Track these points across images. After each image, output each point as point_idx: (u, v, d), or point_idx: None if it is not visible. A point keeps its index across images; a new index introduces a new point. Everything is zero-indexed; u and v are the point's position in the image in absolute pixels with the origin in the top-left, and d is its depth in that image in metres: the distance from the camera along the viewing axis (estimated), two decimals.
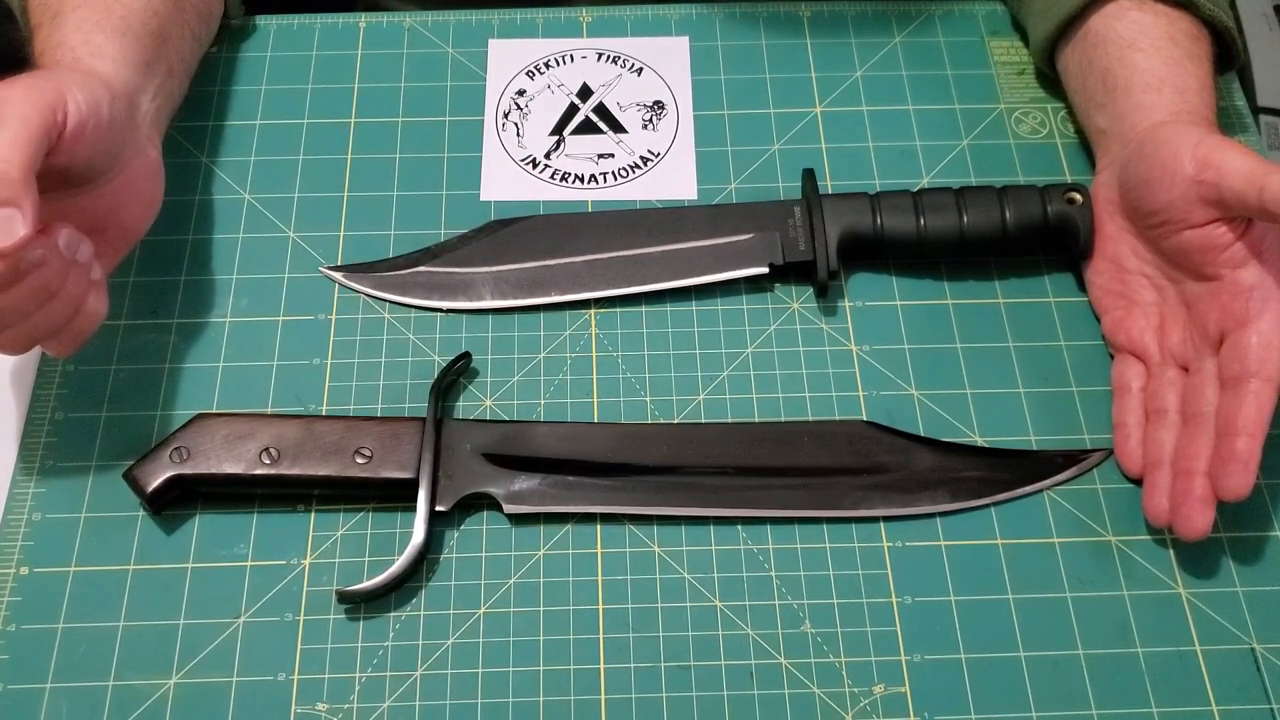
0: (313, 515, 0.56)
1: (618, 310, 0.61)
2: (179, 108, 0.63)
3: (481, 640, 0.53)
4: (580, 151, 0.67)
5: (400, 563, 0.53)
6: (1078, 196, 0.61)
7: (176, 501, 0.55)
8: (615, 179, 0.66)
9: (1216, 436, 0.53)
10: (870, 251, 0.62)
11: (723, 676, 0.52)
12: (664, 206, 0.65)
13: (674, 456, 0.56)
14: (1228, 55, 0.64)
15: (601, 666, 0.52)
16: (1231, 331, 0.53)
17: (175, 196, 0.64)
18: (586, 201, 0.65)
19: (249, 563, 0.54)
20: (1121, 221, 0.59)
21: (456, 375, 0.59)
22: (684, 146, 0.67)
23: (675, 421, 0.58)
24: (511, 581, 0.54)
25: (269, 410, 0.58)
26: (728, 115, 0.68)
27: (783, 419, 0.58)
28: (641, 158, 0.67)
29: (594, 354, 0.60)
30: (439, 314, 0.61)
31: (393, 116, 0.68)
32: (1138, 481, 0.56)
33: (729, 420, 0.58)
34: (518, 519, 0.55)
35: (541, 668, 0.52)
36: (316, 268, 0.62)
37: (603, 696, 0.51)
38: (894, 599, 0.54)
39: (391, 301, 0.61)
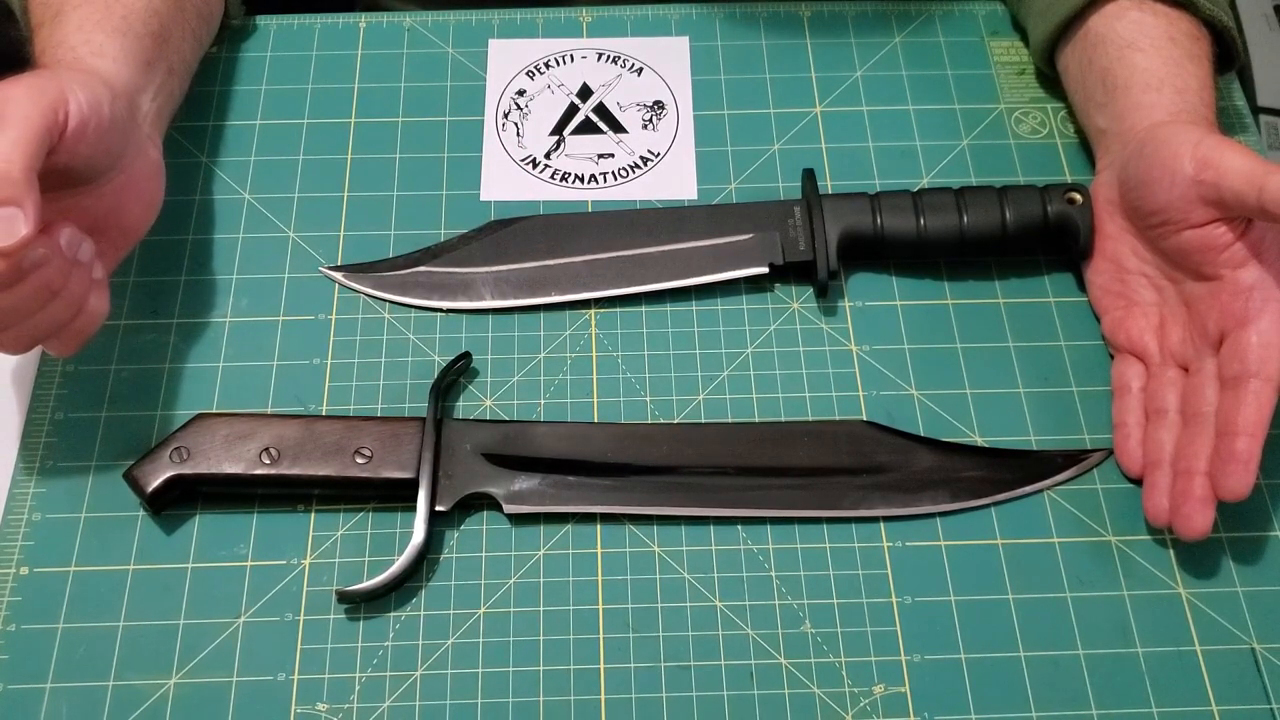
0: (313, 515, 0.56)
1: (618, 310, 0.61)
2: (179, 107, 0.63)
3: (481, 640, 0.53)
4: (580, 151, 0.67)
5: (400, 563, 0.53)
6: (1078, 196, 0.61)
7: (176, 501, 0.55)
8: (615, 179, 0.66)
9: (1216, 436, 0.53)
10: (870, 251, 0.62)
11: (723, 676, 0.52)
12: (664, 206, 0.65)
13: (674, 456, 0.56)
14: (1228, 55, 0.64)
15: (601, 666, 0.52)
16: (1231, 331, 0.53)
17: (175, 196, 0.64)
18: (586, 201, 0.65)
19: (249, 563, 0.54)
20: (1121, 221, 0.59)
21: (456, 375, 0.59)
22: (684, 146, 0.67)
23: (675, 421, 0.58)
24: (511, 581, 0.54)
25: (269, 410, 0.58)
26: (728, 115, 0.68)
27: (783, 419, 0.58)
28: (641, 158, 0.67)
29: (594, 354, 0.60)
30: (439, 314, 0.61)
31: (393, 116, 0.68)
32: (1138, 481, 0.56)
33: (729, 420, 0.58)
34: (518, 519, 0.55)
35: (541, 668, 0.52)
36: (316, 268, 0.62)
37: (602, 696, 0.51)
38: (894, 599, 0.54)
39: (391, 301, 0.61)
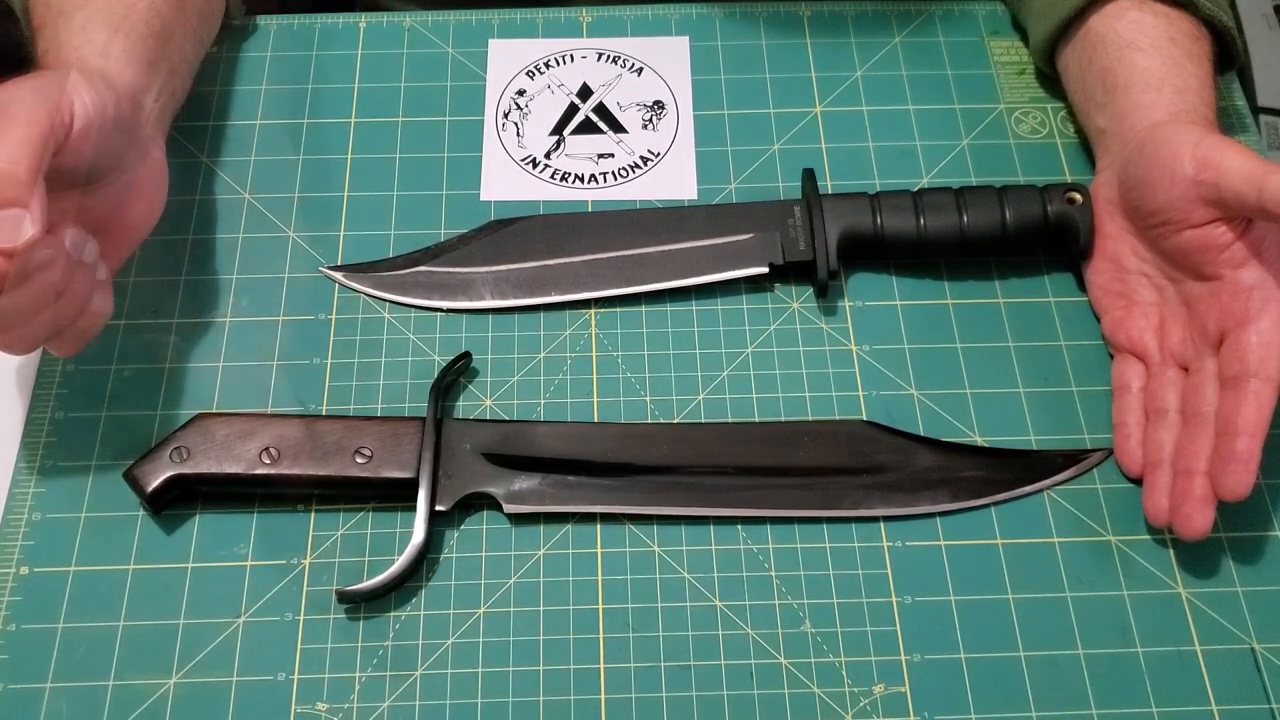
0: (313, 515, 0.56)
1: (618, 310, 0.62)
2: (180, 107, 0.63)
3: (481, 640, 0.53)
4: (580, 151, 0.67)
5: (400, 562, 0.53)
6: (1078, 196, 0.61)
7: (176, 501, 0.55)
8: (615, 179, 0.66)
9: (1217, 436, 0.53)
10: (870, 251, 0.62)
11: (722, 676, 0.52)
12: (664, 206, 0.65)
13: (674, 456, 0.56)
14: (1228, 55, 0.64)
15: (601, 666, 0.52)
16: (1231, 331, 0.53)
17: (175, 196, 0.64)
18: (586, 201, 0.65)
19: (249, 562, 0.54)
20: (1121, 221, 0.59)
21: (456, 375, 0.59)
22: (684, 146, 0.67)
23: (675, 421, 0.58)
24: (511, 581, 0.54)
25: (269, 410, 0.58)
26: (728, 115, 0.68)
27: (783, 419, 0.58)
28: (641, 158, 0.67)
29: (594, 354, 0.60)
30: (439, 314, 0.61)
31: (393, 116, 0.68)
32: (1137, 481, 0.56)
33: (729, 420, 0.58)
34: (518, 519, 0.55)
35: (541, 667, 0.52)
36: (316, 268, 0.62)
37: (602, 696, 0.51)
38: (894, 599, 0.54)
39: (391, 301, 0.61)
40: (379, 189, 0.65)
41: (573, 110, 0.68)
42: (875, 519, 0.56)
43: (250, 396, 0.58)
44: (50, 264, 0.49)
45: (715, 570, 0.54)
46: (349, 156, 0.66)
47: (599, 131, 0.68)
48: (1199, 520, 0.52)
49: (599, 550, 0.55)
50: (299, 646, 0.52)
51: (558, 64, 0.70)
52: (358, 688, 0.52)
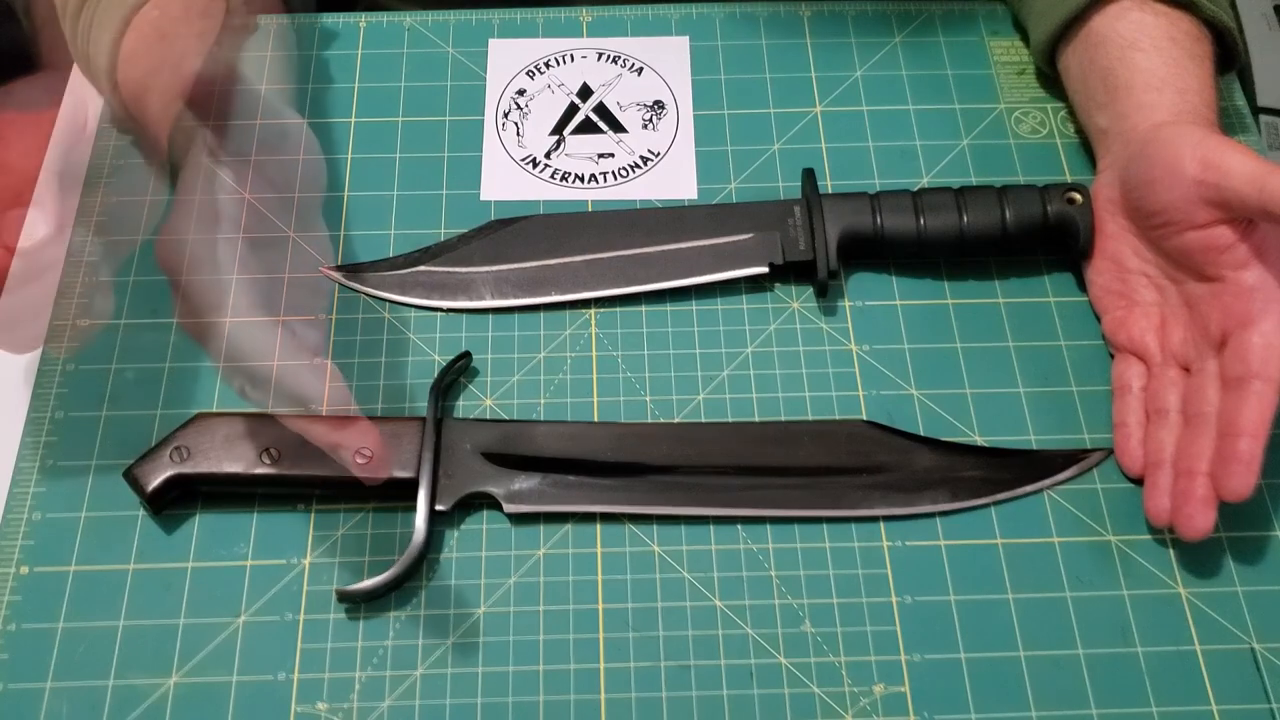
0: (313, 515, 0.56)
1: (618, 310, 0.62)
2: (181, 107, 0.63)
3: (481, 640, 0.53)
4: (580, 151, 0.67)
5: (400, 562, 0.53)
6: (1078, 196, 0.61)
7: (177, 501, 0.55)
8: (615, 179, 0.66)
9: (1219, 437, 0.53)
10: (870, 251, 0.62)
11: (722, 676, 0.52)
12: (664, 206, 0.65)
13: (674, 456, 0.56)
14: (1229, 56, 0.64)
15: (601, 666, 0.52)
16: (1234, 332, 0.53)
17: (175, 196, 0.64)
18: (586, 201, 0.65)
19: (249, 562, 0.54)
20: (1123, 221, 0.59)
21: (456, 375, 0.59)
22: (684, 146, 0.67)
23: (675, 421, 0.58)
24: (511, 581, 0.54)
25: (269, 410, 0.58)
26: (728, 115, 0.68)
27: (783, 419, 0.58)
28: (641, 157, 0.67)
29: (594, 353, 0.60)
30: (439, 314, 0.61)
31: (393, 116, 0.68)
32: (1138, 481, 0.56)
33: (729, 420, 0.58)
34: (518, 518, 0.55)
35: (541, 667, 0.52)
36: (316, 268, 0.62)
37: (602, 696, 0.51)
38: (894, 598, 0.54)
39: (391, 301, 0.61)
40: (379, 189, 0.65)
41: (573, 110, 0.68)
42: (875, 519, 0.56)
43: None
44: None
45: (715, 570, 0.54)
46: (349, 156, 0.66)
47: (599, 131, 0.68)
48: (1201, 521, 0.52)
49: (599, 550, 0.55)
50: (299, 646, 0.52)
51: (558, 64, 0.70)
52: (357, 687, 0.52)
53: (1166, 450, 0.55)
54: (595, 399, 0.59)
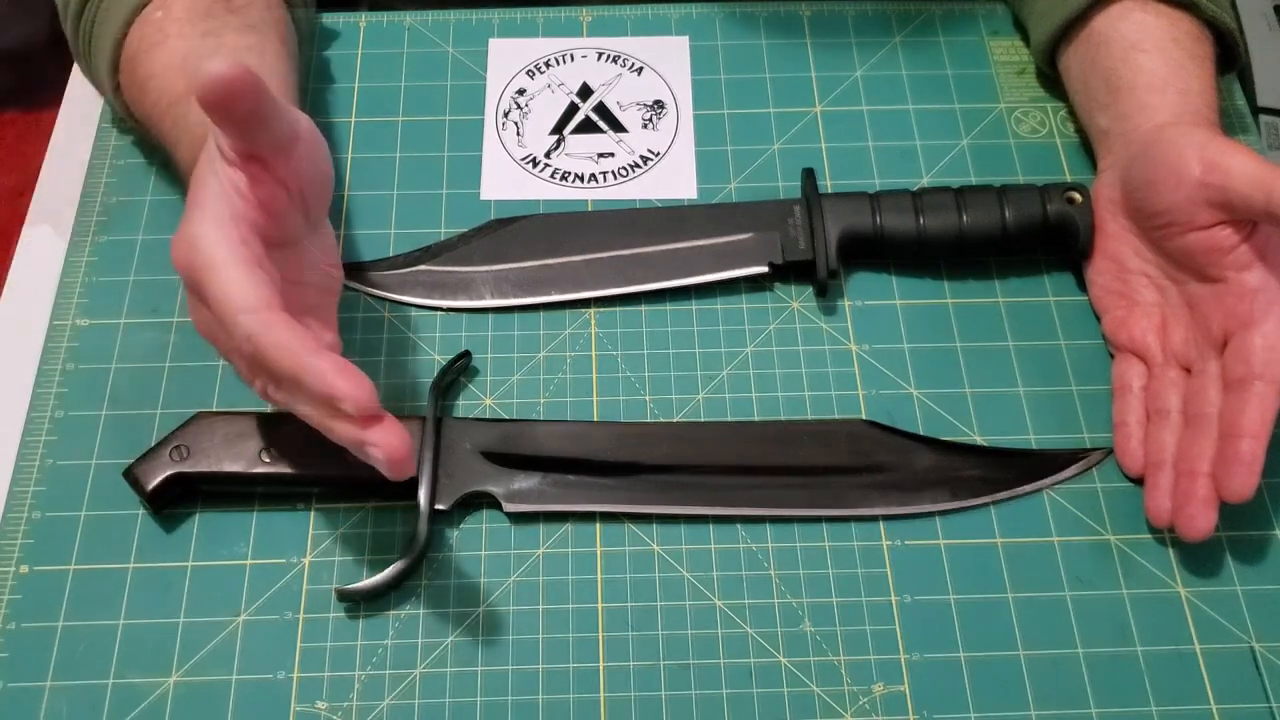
0: (312, 514, 0.56)
1: (617, 309, 0.62)
2: None
3: (481, 639, 0.53)
4: (580, 151, 0.67)
5: (400, 561, 0.53)
6: (1077, 196, 0.61)
7: (176, 500, 0.55)
8: (615, 178, 0.66)
9: (1220, 438, 0.53)
10: (870, 251, 0.62)
11: (722, 675, 0.52)
12: (664, 206, 0.65)
13: (673, 455, 0.56)
14: (1229, 56, 0.64)
15: (601, 665, 0.52)
16: (1235, 333, 0.53)
17: (175, 196, 0.64)
18: (586, 201, 0.65)
19: (249, 561, 0.54)
20: (1124, 221, 0.59)
21: (456, 374, 0.59)
22: (684, 146, 0.67)
23: (675, 420, 0.58)
24: (511, 580, 0.54)
25: (269, 409, 0.58)
26: (728, 115, 0.68)
27: (782, 418, 0.58)
28: (641, 157, 0.67)
29: (594, 353, 0.60)
30: (439, 313, 0.61)
31: (393, 116, 0.68)
32: (1137, 481, 0.56)
33: (729, 419, 0.58)
34: (517, 518, 0.55)
35: (541, 666, 0.52)
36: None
37: (602, 695, 0.51)
38: (893, 598, 0.54)
39: (391, 301, 0.61)
40: (379, 188, 0.65)
41: (573, 110, 0.68)
42: (875, 518, 0.56)
43: (250, 395, 0.58)
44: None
45: (715, 569, 0.54)
46: (349, 156, 0.66)
47: (599, 131, 0.68)
48: (1202, 521, 0.52)
49: (598, 549, 0.55)
50: (299, 645, 0.52)
51: (558, 63, 0.70)
52: (357, 686, 0.52)
53: (1167, 451, 0.55)
54: (595, 398, 0.59)
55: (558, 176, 0.66)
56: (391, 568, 0.53)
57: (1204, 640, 0.53)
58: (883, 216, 0.61)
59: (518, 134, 0.68)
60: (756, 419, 0.58)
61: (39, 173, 0.66)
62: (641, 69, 0.70)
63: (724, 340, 0.61)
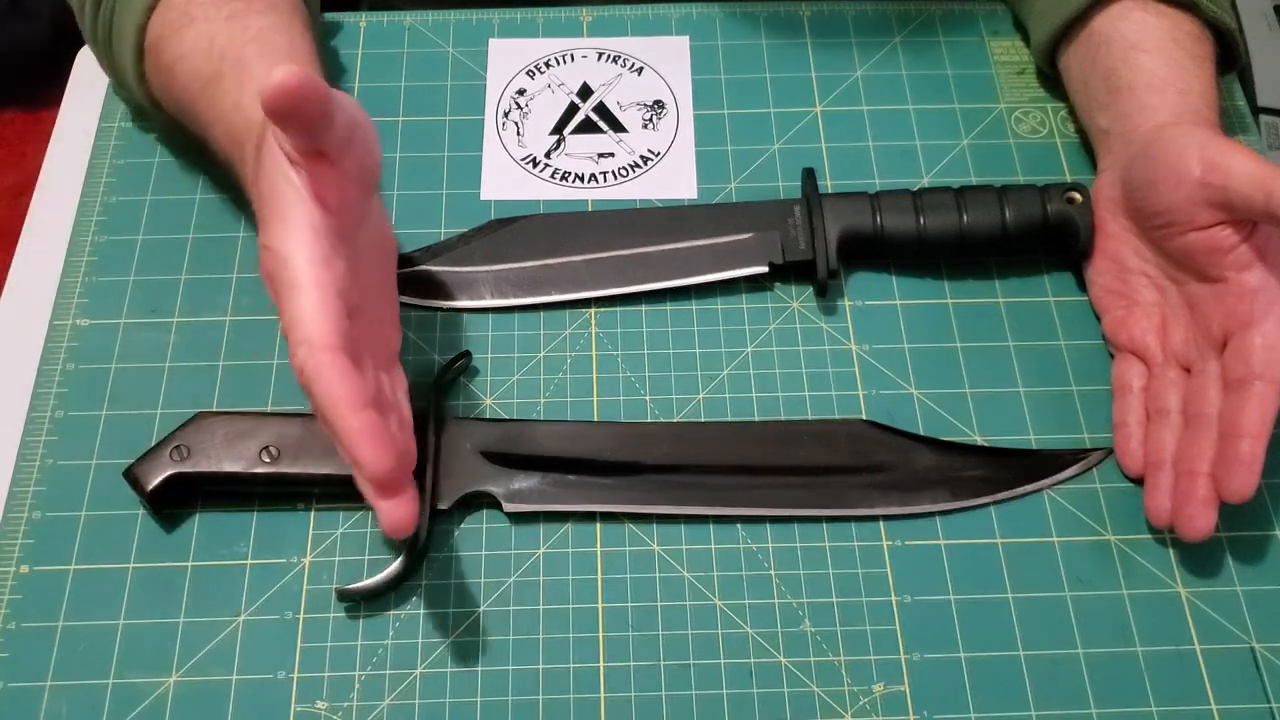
0: (313, 514, 0.56)
1: (618, 309, 0.62)
2: None
3: (481, 639, 0.53)
4: (580, 151, 0.67)
5: (400, 561, 0.53)
6: (1078, 196, 0.61)
7: (177, 500, 0.55)
8: (615, 178, 0.66)
9: (1220, 438, 0.53)
10: (870, 251, 0.62)
11: (722, 675, 0.52)
12: (664, 206, 0.65)
13: (674, 455, 0.56)
14: (1229, 57, 0.64)
15: (601, 665, 0.52)
16: (1235, 333, 0.53)
17: (175, 196, 0.64)
18: (587, 201, 0.65)
19: (249, 561, 0.54)
20: (1124, 221, 0.59)
21: (456, 374, 0.59)
22: (684, 146, 0.67)
23: (675, 420, 0.58)
24: (511, 580, 0.54)
25: (269, 409, 0.58)
26: (728, 115, 0.68)
27: (782, 418, 0.58)
28: (642, 157, 0.67)
29: (594, 353, 0.60)
30: (439, 313, 0.61)
31: (393, 116, 0.68)
32: (1138, 481, 0.56)
33: (729, 419, 0.58)
34: (517, 518, 0.55)
35: (541, 666, 0.52)
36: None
37: (602, 695, 0.51)
38: (893, 598, 0.54)
39: None
40: (379, 188, 0.65)
41: (573, 110, 0.68)
42: (875, 518, 0.56)
43: (250, 396, 0.58)
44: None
45: (715, 569, 0.54)
46: None
47: (599, 131, 0.68)
48: (1202, 522, 0.52)
49: (599, 549, 0.55)
50: (299, 645, 0.52)
51: (558, 63, 0.70)
52: (357, 686, 0.52)
53: (1167, 451, 0.55)
54: (595, 398, 0.59)
55: (558, 176, 0.66)
56: (391, 568, 0.53)
57: (1204, 640, 0.53)
58: (883, 216, 0.61)
59: (518, 134, 0.68)
60: (757, 419, 0.58)
61: (39, 173, 0.66)
62: (642, 69, 0.70)
63: (724, 340, 0.61)
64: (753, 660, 0.52)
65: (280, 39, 0.56)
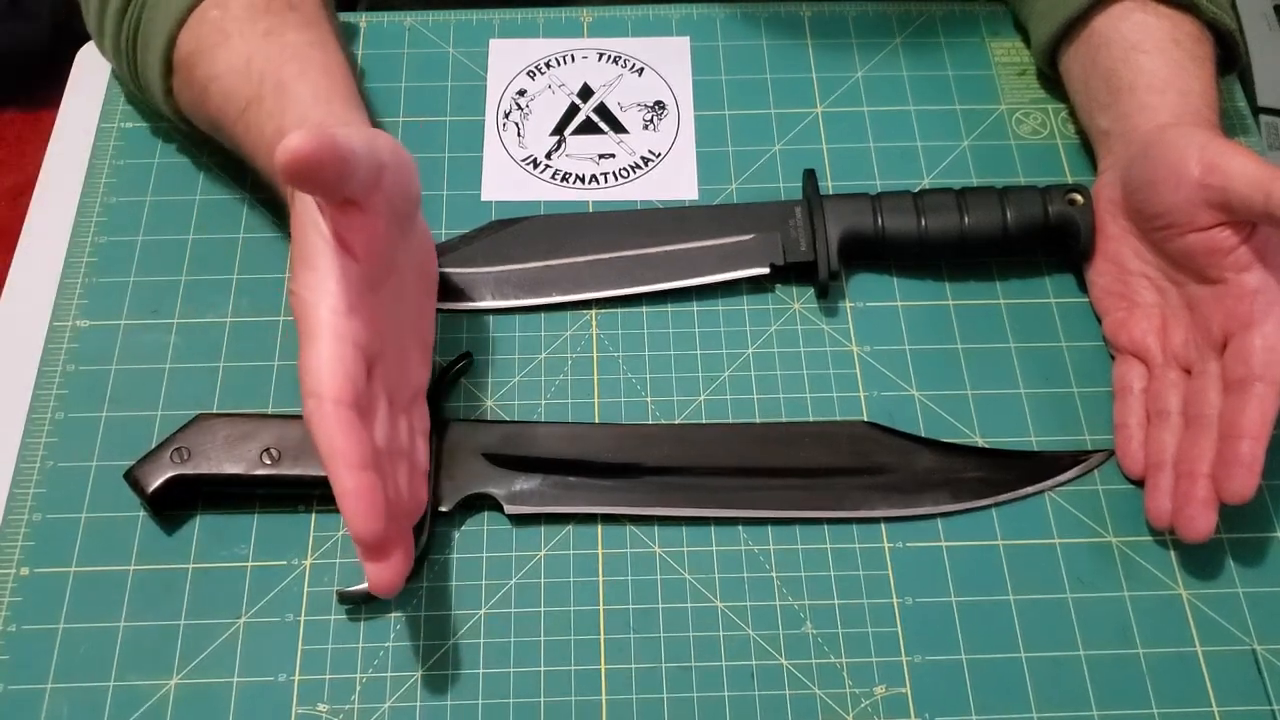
0: (313, 516, 0.56)
1: (619, 311, 0.61)
2: None
3: (482, 641, 0.53)
4: (581, 151, 0.67)
5: None
6: (1079, 197, 0.61)
7: (177, 502, 0.55)
8: (616, 179, 0.66)
9: (1220, 440, 0.53)
10: (871, 252, 0.62)
11: (724, 677, 0.52)
12: (665, 207, 0.65)
13: (675, 457, 0.56)
14: (1229, 57, 0.64)
15: (603, 667, 0.52)
16: (1235, 334, 0.53)
17: (175, 196, 0.64)
18: (587, 202, 0.65)
19: (250, 563, 0.54)
20: (1124, 223, 0.59)
21: (457, 375, 0.59)
22: (685, 147, 0.67)
23: (676, 422, 0.58)
24: (512, 582, 0.54)
25: (269, 410, 0.58)
26: (728, 115, 0.68)
27: (784, 419, 0.58)
28: (642, 158, 0.67)
29: (595, 354, 0.60)
30: (440, 314, 0.61)
31: (393, 116, 0.68)
32: (1139, 483, 0.56)
33: (730, 421, 0.58)
34: (518, 519, 0.55)
35: (542, 668, 0.52)
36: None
37: (603, 697, 0.51)
38: (895, 600, 0.54)
39: None
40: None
41: (573, 110, 0.68)
42: (876, 520, 0.56)
43: (250, 396, 0.58)
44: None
45: (716, 571, 0.54)
46: None
47: (600, 132, 0.68)
48: (1202, 523, 0.52)
49: (600, 551, 0.55)
50: (300, 647, 0.52)
51: (558, 64, 0.70)
52: (358, 689, 0.52)
53: (1167, 452, 0.55)
54: (596, 400, 0.59)
55: (558, 177, 0.66)
56: None
57: (1205, 642, 0.53)
58: (884, 217, 0.61)
59: (518, 135, 0.67)
60: (758, 420, 0.58)
61: (39, 173, 0.66)
62: (642, 70, 0.70)
63: (725, 342, 0.61)
64: (754, 662, 0.52)
65: (317, 56, 0.56)
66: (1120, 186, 0.59)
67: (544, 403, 0.59)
